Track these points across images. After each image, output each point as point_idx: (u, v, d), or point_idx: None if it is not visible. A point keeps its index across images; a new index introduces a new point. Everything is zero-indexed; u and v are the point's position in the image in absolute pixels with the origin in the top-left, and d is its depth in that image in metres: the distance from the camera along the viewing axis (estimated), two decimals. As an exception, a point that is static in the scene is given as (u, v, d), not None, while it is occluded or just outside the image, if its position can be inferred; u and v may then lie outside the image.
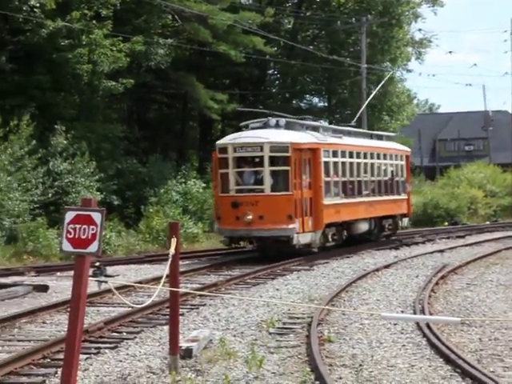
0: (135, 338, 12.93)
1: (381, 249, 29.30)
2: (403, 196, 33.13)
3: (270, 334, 13.19)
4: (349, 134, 29.98)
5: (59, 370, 10.02)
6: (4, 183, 24.62)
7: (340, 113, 48.92)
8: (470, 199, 47.27)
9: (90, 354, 11.54)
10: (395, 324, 13.78)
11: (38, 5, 28.60)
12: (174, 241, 10.93)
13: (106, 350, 11.89)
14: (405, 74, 51.54)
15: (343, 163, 27.82)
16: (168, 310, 12.25)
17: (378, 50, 45.53)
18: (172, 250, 10.87)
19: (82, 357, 9.66)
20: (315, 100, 49.90)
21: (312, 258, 25.14)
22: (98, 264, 20.40)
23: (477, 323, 13.92)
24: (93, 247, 8.18)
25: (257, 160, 25.03)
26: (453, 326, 13.49)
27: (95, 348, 11.96)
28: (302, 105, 48.70)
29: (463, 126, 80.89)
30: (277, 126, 25.69)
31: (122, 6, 31.85)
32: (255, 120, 26.73)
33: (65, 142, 28.15)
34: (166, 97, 43.24)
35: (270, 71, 48.50)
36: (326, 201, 25.93)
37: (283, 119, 26.14)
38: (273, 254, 24.66)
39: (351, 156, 28.58)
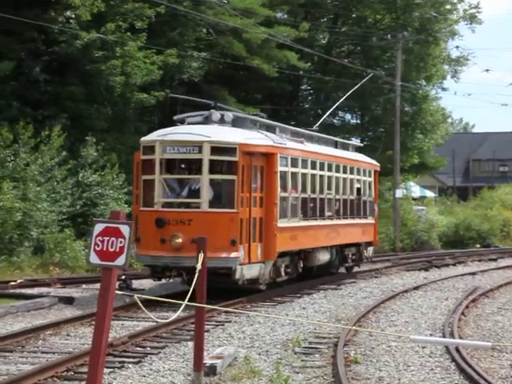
0: (159, 353, 12.98)
1: (410, 269, 29.17)
2: (370, 220, 27.78)
3: (296, 353, 13.16)
4: (311, 138, 24.23)
5: (83, 383, 10.08)
6: (33, 193, 24.82)
7: (373, 130, 48.81)
8: (503, 221, 46.96)
9: (113, 368, 11.59)
10: (423, 347, 13.69)
11: (73, 16, 28.88)
12: (200, 256, 11.01)
13: (130, 365, 11.94)
14: (440, 93, 51.19)
15: (304, 175, 22.07)
16: (193, 325, 12.30)
17: (413, 67, 45.34)
18: (198, 265, 10.93)
19: (105, 371, 9.68)
20: (348, 117, 49.84)
21: (338, 277, 25.00)
22: (123, 277, 20.52)
23: (508, 349, 13.80)
24: (120, 260, 8.22)
25: (193, 165, 19.72)
26: (483, 351, 13.38)
27: (119, 362, 12.01)
28: (335, 121, 48.63)
29: (498, 147, 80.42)
30: (222, 121, 20.23)
31: (157, 19, 32.07)
32: (194, 113, 21.19)
33: (95, 153, 28.33)
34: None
35: (303, 86, 48.50)
36: (281, 223, 20.16)
37: (230, 113, 20.78)
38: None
39: (314, 167, 22.82)
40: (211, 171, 18.85)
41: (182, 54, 32.81)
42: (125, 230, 8.34)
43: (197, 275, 10.97)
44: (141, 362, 12.24)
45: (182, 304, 10.06)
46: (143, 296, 11.34)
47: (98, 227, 8.34)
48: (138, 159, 19.59)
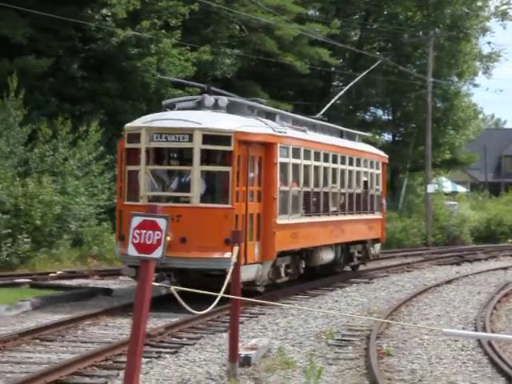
0: (195, 343, 13.06)
1: (442, 264, 29.04)
2: (378, 215, 25.29)
3: (329, 345, 13.18)
4: (314, 127, 21.95)
5: (121, 373, 10.18)
6: (71, 187, 25.03)
7: (404, 126, 48.57)
8: (535, 216, 46.54)
9: (150, 357, 11.69)
10: (456, 340, 13.65)
11: (109, 14, 29.09)
12: (235, 249, 11.05)
13: (167, 355, 12.04)
14: (471, 89, 50.91)
15: (306, 167, 19.86)
16: (227, 317, 12.36)
17: (444, 63, 45.05)
18: (234, 259, 10.99)
19: (143, 360, 9.76)
20: (379, 112, 49.64)
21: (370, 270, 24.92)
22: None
23: (539, 342, 13.69)
24: (157, 253, 8.30)
25: (183, 154, 17.92)
26: (514, 345, 13.30)
27: (156, 352, 12.11)
28: (367, 117, 48.50)
29: (530, 142, 79.68)
30: (215, 106, 18.03)
31: (191, 16, 32.16)
32: (185, 97, 19.59)
33: (131, 148, 28.49)
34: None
35: (335, 83, 48.39)
36: (281, 219, 18.09)
37: (225, 98, 18.38)
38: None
39: (317, 158, 20.59)
40: (203, 162, 16.87)
41: (216, 51, 32.85)
42: (161, 223, 8.42)
43: (232, 268, 11.01)
44: (177, 352, 12.33)
45: (217, 296, 10.13)
46: (180, 288, 11.43)
47: (136, 220, 8.42)
48: (122, 148, 17.49)
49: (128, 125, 17.59)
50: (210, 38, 33.86)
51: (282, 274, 18.58)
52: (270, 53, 36.04)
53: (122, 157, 17.58)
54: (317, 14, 44.00)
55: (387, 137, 48.32)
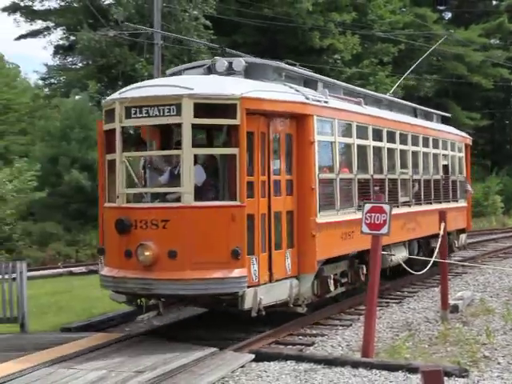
0: (414, 296, 12.72)
1: None
2: (462, 203, 16.75)
3: (520, 296, 12.29)
4: (374, 101, 13.42)
5: (361, 317, 10.17)
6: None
7: None
8: None
9: (381, 307, 11.50)
10: None
11: (339, 58, 29.46)
12: (443, 225, 10.74)
13: (393, 305, 11.81)
14: None
15: (362, 148, 11.61)
16: (438, 276, 11.92)
17: None
18: (441, 232, 10.67)
19: (376, 308, 9.70)
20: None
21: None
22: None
23: None
24: (384, 230, 8.30)
25: (172, 134, 9.73)
26: None
27: (385, 303, 11.91)
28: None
29: None
30: (229, 70, 9.98)
31: (399, 53, 32.12)
32: (193, 63, 11.15)
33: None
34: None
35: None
36: (324, 217, 10.11)
37: (241, 59, 10.15)
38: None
39: (379, 137, 12.15)
40: (197, 142, 9.45)
41: (419, 78, 32.41)
42: (386, 207, 8.39)
43: (440, 239, 10.60)
44: (401, 302, 12.06)
45: (430, 260, 9.83)
46: (391, 253, 11.30)
47: (367, 207, 8.45)
48: (101, 131, 9.54)
49: (105, 100, 9.88)
50: (414, 68, 33.53)
51: (332, 288, 10.44)
52: (460, 75, 35.51)
53: (101, 142, 9.57)
54: (497, 42, 41.78)
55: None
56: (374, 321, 8.16)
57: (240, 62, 9.98)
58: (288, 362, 7.99)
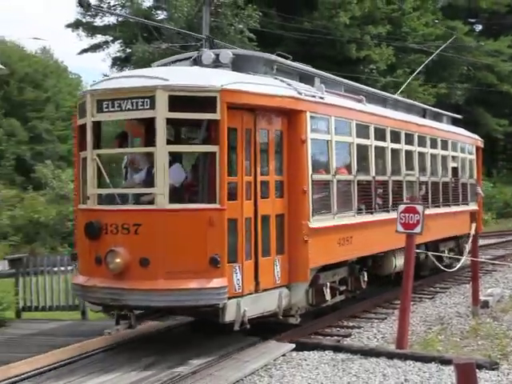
0: (446, 291, 12.51)
1: None
2: (473, 206, 14.84)
3: (549, 294, 11.95)
4: (378, 100, 11.84)
5: (395, 311, 10.06)
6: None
7: None
8: None
9: (415, 301, 11.34)
10: None
11: (374, 67, 29.31)
12: (473, 225, 10.62)
13: (426, 300, 11.64)
14: None
15: (363, 148, 10.05)
16: (469, 273, 11.72)
17: None
18: (472, 231, 10.55)
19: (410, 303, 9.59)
20: None
21: None
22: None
23: None
24: (417, 229, 8.28)
25: (147, 130, 8.20)
26: None
27: (418, 298, 11.74)
28: None
29: None
30: (216, 63, 8.51)
31: (431, 65, 31.96)
32: (179, 55, 9.48)
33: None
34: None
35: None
36: (318, 221, 8.52)
37: (229, 51, 8.78)
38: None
39: (381, 137, 10.61)
40: (173, 139, 8.32)
41: (450, 86, 32.12)
42: (419, 208, 8.36)
43: (471, 238, 10.44)
44: (433, 297, 11.88)
45: (461, 258, 9.70)
46: (427, 252, 11.13)
47: (401, 207, 8.41)
48: (76, 126, 8.12)
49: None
50: (445, 77, 33.27)
51: (327, 297, 9.00)
52: (490, 84, 35.02)
53: (77, 139, 8.10)
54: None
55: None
56: (407, 314, 8.08)
57: (227, 54, 8.57)
58: (326, 351, 7.97)
